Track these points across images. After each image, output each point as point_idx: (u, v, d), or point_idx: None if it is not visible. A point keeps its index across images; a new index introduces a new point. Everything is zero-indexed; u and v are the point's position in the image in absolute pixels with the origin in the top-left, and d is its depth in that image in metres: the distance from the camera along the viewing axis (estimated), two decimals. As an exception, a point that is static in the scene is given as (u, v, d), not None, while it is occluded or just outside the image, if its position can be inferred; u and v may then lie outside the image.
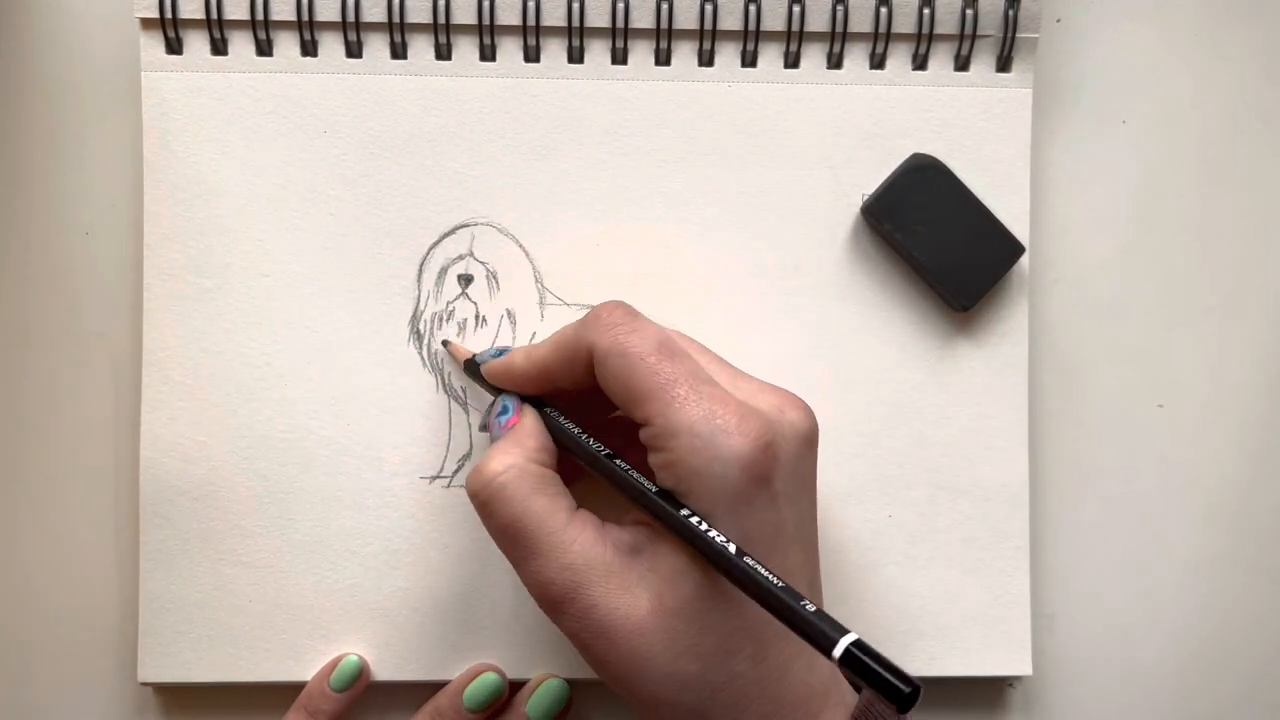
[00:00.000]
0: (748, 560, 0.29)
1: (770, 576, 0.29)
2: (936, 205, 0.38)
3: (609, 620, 0.31)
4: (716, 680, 0.31)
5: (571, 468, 0.34)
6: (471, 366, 0.36)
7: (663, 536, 0.31)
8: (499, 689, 0.38)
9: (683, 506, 0.30)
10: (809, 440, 0.32)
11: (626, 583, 0.31)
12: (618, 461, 0.32)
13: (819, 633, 0.27)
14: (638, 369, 0.31)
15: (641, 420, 0.31)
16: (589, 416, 0.34)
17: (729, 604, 0.30)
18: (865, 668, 0.27)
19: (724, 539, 0.29)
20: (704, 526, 0.30)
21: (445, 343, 0.38)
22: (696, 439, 0.30)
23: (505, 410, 0.34)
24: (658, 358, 0.31)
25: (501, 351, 0.36)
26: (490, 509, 0.32)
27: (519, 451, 0.33)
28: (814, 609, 0.28)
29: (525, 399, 0.35)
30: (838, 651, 0.27)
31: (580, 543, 0.31)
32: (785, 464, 0.31)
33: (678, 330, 0.34)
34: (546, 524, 0.31)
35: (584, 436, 0.33)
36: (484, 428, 0.35)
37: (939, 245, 0.38)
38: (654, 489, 0.31)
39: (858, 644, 0.27)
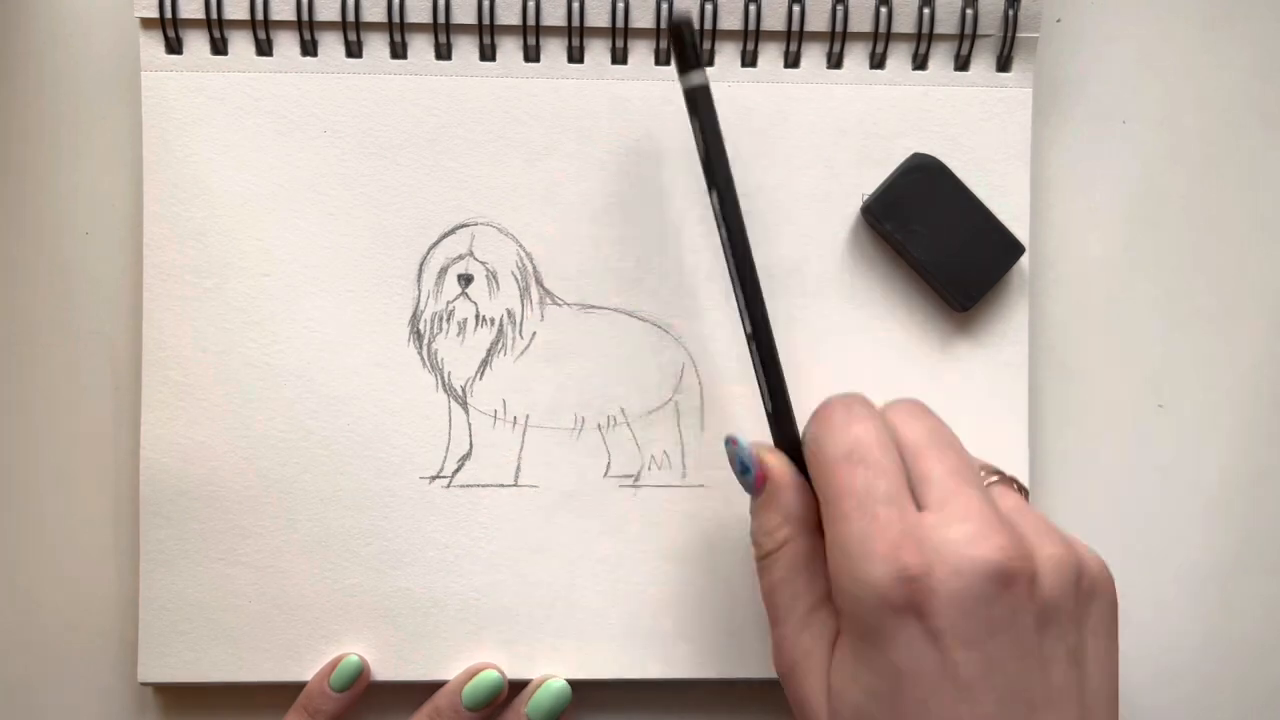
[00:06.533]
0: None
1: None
2: (936, 205, 0.38)
3: (805, 706, 0.31)
4: None
5: None
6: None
7: (837, 646, 0.31)
8: (498, 687, 0.38)
9: None
10: (999, 578, 0.28)
11: (811, 674, 0.31)
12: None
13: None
14: (820, 473, 0.31)
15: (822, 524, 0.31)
16: None
17: None
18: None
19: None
20: None
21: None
22: (842, 557, 0.30)
23: (744, 464, 0.33)
24: (840, 465, 0.30)
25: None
26: (760, 569, 0.33)
27: (788, 523, 0.33)
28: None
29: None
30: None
31: (807, 636, 0.32)
32: (950, 601, 0.28)
33: (940, 423, 0.32)
34: (790, 607, 0.32)
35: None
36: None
37: (939, 245, 0.38)
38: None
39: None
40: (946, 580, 0.28)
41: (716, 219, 0.34)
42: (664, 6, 0.38)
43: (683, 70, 0.34)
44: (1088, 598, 0.30)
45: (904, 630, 0.28)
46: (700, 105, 0.34)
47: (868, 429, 0.31)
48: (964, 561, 0.28)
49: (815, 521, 0.32)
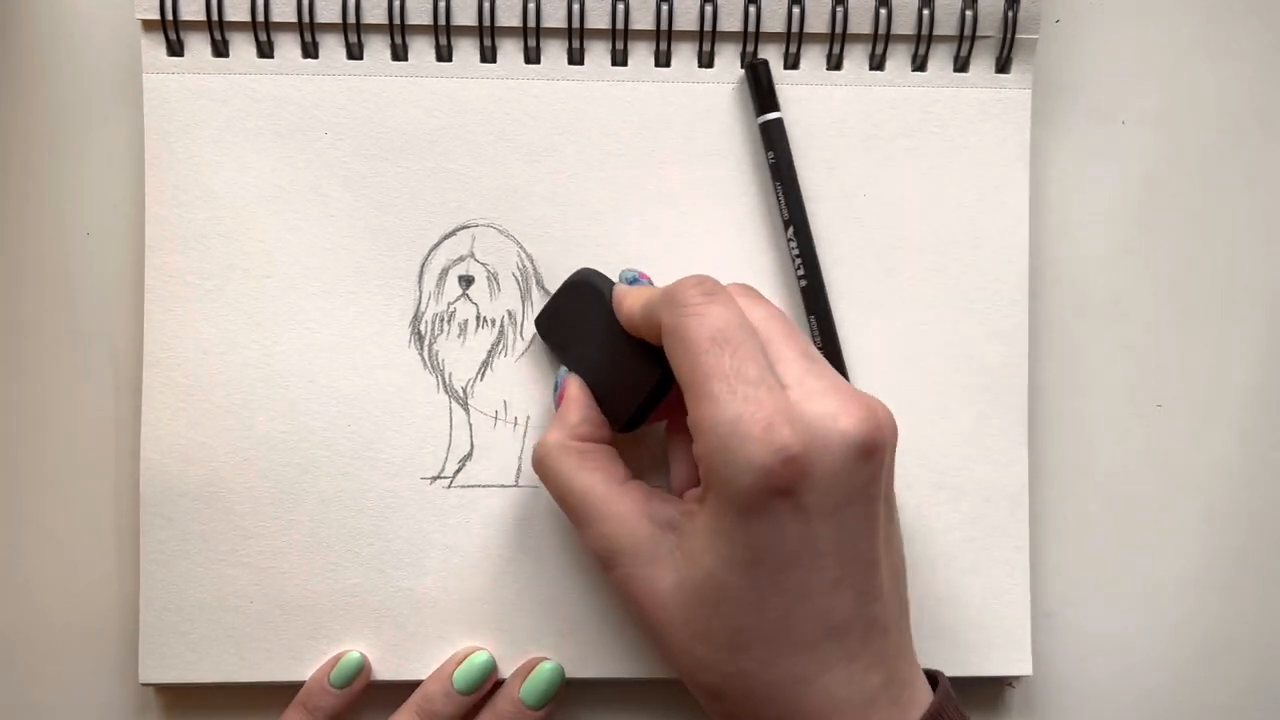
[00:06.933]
0: None
1: None
2: (588, 324, 0.36)
3: (640, 589, 0.33)
4: (727, 669, 0.31)
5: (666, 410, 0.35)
6: None
7: (697, 517, 0.32)
8: (489, 668, 0.37)
9: None
10: (863, 450, 0.30)
11: (656, 556, 0.32)
12: None
13: None
14: (687, 355, 0.31)
15: (686, 406, 0.31)
16: None
17: (740, 601, 0.30)
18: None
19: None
20: None
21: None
22: (718, 440, 0.30)
23: (556, 386, 0.37)
24: (708, 346, 0.31)
25: (636, 280, 0.37)
26: (544, 483, 0.35)
27: (560, 431, 0.35)
28: None
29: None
30: None
31: (617, 516, 0.33)
32: (820, 477, 0.30)
33: (774, 307, 0.33)
34: (588, 498, 0.34)
35: None
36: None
37: (590, 367, 0.36)
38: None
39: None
40: (819, 456, 0.30)
41: (790, 250, 0.38)
42: (664, 8, 0.38)
43: (760, 110, 0.38)
44: (892, 458, 0.32)
45: (776, 506, 0.30)
46: (775, 140, 0.37)
47: (729, 312, 0.31)
48: (834, 436, 0.30)
49: (581, 428, 0.35)
